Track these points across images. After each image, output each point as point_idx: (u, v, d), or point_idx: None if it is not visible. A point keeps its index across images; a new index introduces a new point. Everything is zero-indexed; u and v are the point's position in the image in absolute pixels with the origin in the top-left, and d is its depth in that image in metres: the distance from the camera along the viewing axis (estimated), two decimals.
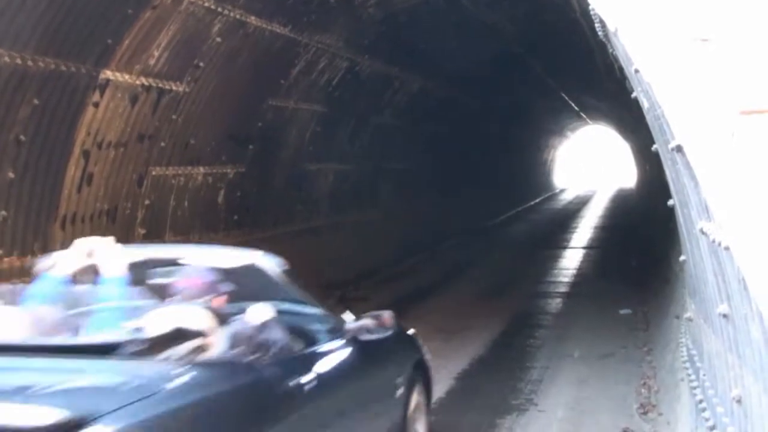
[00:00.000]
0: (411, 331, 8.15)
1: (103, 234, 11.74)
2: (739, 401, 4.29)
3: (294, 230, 18.11)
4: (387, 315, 6.99)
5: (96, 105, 10.96)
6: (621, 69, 7.37)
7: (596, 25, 6.61)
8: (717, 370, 5.19)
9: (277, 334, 5.53)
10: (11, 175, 9.89)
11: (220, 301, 5.61)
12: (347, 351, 6.51)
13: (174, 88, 12.48)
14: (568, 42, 19.00)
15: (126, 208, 12.27)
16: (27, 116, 9.89)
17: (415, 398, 7.53)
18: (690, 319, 7.24)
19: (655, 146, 6.16)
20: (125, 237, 12.32)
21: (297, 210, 18.48)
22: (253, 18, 13.44)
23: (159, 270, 6.03)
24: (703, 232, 4.39)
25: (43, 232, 10.63)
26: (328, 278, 17.98)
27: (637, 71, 4.51)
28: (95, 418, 3.86)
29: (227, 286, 5.76)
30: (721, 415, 4.98)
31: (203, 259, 6.18)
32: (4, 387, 4.27)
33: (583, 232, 31.82)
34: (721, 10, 3.82)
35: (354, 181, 21.28)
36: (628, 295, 16.33)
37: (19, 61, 9.46)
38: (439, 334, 13.97)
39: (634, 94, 6.30)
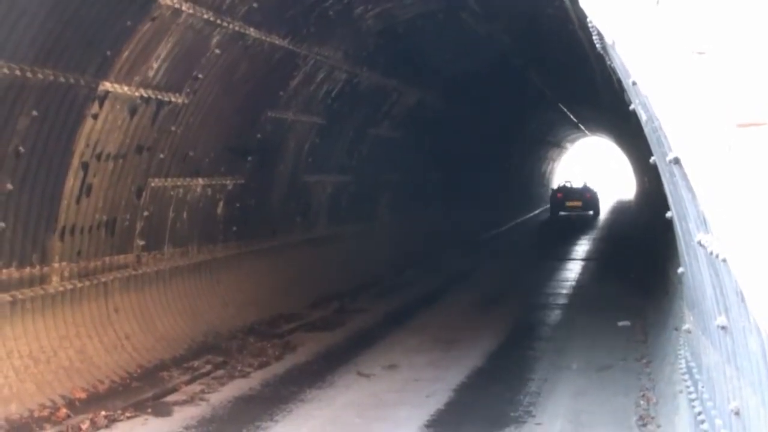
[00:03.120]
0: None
1: (101, 245, 11.79)
2: (737, 413, 4.29)
3: (293, 241, 18.11)
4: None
5: (95, 116, 10.96)
6: (619, 81, 7.39)
7: (594, 37, 6.62)
8: (715, 382, 5.19)
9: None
10: (10, 186, 9.88)
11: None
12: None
13: (173, 99, 12.49)
14: (566, 54, 19.04)
15: (125, 219, 12.27)
16: (26, 127, 9.89)
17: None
18: (688, 331, 7.25)
19: (653, 158, 6.18)
20: (124, 248, 12.32)
21: (296, 221, 18.48)
22: (252, 30, 13.46)
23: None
24: (701, 245, 4.40)
25: (41, 243, 10.63)
26: (326, 289, 17.98)
27: (634, 83, 4.52)
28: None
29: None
30: (719, 427, 4.98)
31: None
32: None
33: (581, 244, 31.83)
34: (718, 23, 3.82)
35: (352, 192, 21.29)
36: (626, 307, 16.33)
37: (18, 72, 9.46)
38: (437, 344, 13.98)
39: (632, 106, 6.33)
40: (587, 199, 45.39)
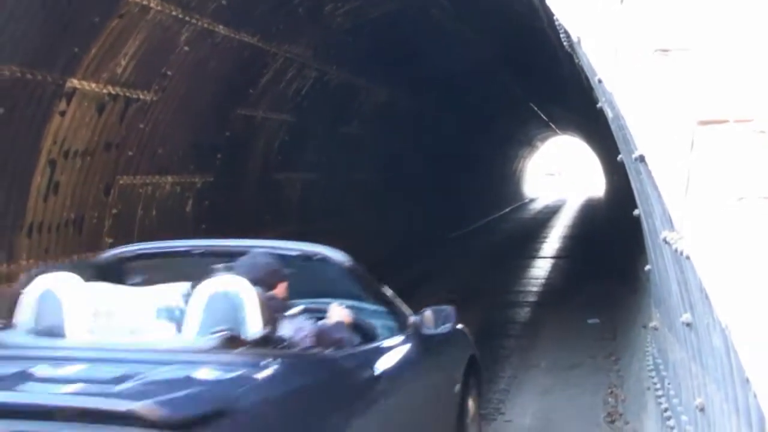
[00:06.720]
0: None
1: (69, 243, 11.69)
2: (702, 410, 4.32)
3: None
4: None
5: (62, 114, 10.87)
6: (587, 79, 7.42)
7: (561, 35, 6.64)
8: (681, 378, 5.22)
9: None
10: None
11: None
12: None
13: (141, 96, 12.42)
14: (536, 52, 19.08)
15: (93, 217, 12.18)
16: None
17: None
18: (655, 328, 7.28)
19: (620, 156, 6.20)
20: (92, 246, 12.24)
21: (265, 219, 18.41)
22: (221, 27, 13.41)
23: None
24: (666, 242, 4.41)
25: (8, 241, 10.54)
26: None
27: (600, 81, 4.54)
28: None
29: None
30: (685, 423, 5.01)
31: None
32: None
33: (552, 242, 31.96)
34: (681, 22, 3.84)
35: (322, 190, 21.25)
36: (596, 304, 16.39)
37: None
38: None
39: (599, 105, 6.35)
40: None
